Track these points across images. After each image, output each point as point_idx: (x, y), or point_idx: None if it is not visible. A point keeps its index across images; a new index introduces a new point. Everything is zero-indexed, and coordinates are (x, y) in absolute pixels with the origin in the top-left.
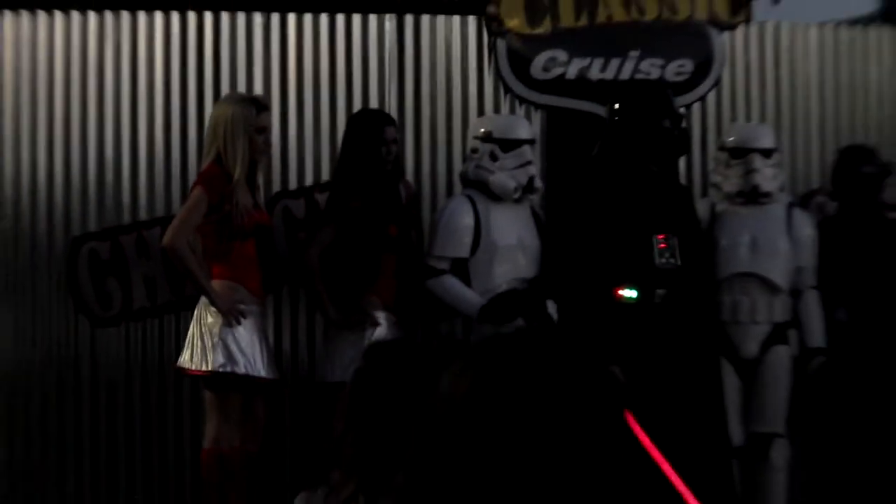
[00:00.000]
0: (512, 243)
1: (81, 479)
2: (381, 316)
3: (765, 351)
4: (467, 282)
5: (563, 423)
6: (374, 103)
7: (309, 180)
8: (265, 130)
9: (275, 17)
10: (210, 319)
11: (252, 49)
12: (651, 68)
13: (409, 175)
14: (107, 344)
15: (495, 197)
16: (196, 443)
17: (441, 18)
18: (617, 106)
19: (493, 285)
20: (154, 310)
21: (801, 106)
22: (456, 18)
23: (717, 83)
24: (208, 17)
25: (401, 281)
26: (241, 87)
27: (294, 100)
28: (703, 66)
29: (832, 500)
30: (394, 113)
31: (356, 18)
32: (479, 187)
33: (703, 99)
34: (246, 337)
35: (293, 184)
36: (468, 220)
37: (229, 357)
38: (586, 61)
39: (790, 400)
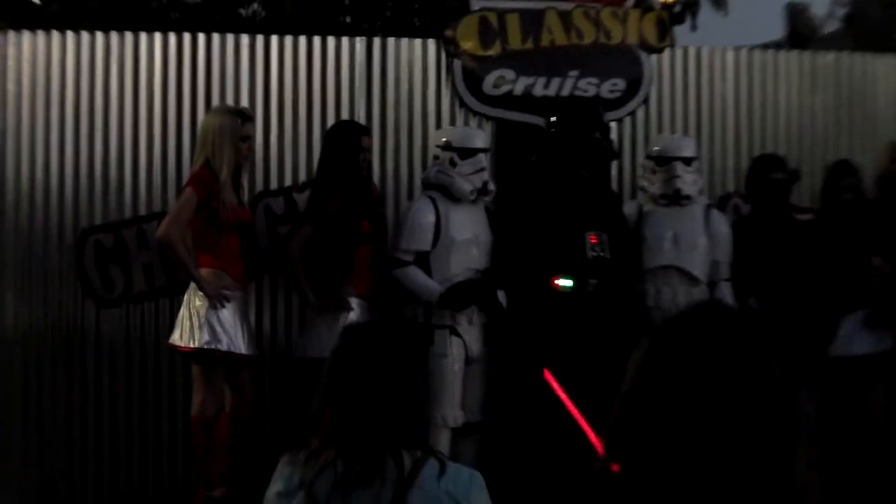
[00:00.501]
0: (467, 238)
1: (86, 438)
2: (354, 302)
3: None
4: (428, 272)
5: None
6: (345, 115)
7: (287, 181)
8: (248, 138)
9: (259, 39)
10: (198, 303)
11: (239, 66)
12: (588, 86)
13: (375, 178)
14: (110, 323)
15: (454, 198)
16: (186, 410)
17: (405, 41)
18: (554, 119)
19: (450, 275)
20: (152, 293)
21: (719, 120)
22: (418, 41)
23: (646, 100)
24: (201, 38)
25: (372, 271)
26: (230, 100)
27: (275, 111)
28: (634, 84)
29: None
30: (362, 123)
31: (330, 41)
32: (439, 189)
33: (633, 113)
34: (229, 318)
35: (274, 184)
36: (430, 217)
37: (214, 335)
38: (531, 80)
39: None
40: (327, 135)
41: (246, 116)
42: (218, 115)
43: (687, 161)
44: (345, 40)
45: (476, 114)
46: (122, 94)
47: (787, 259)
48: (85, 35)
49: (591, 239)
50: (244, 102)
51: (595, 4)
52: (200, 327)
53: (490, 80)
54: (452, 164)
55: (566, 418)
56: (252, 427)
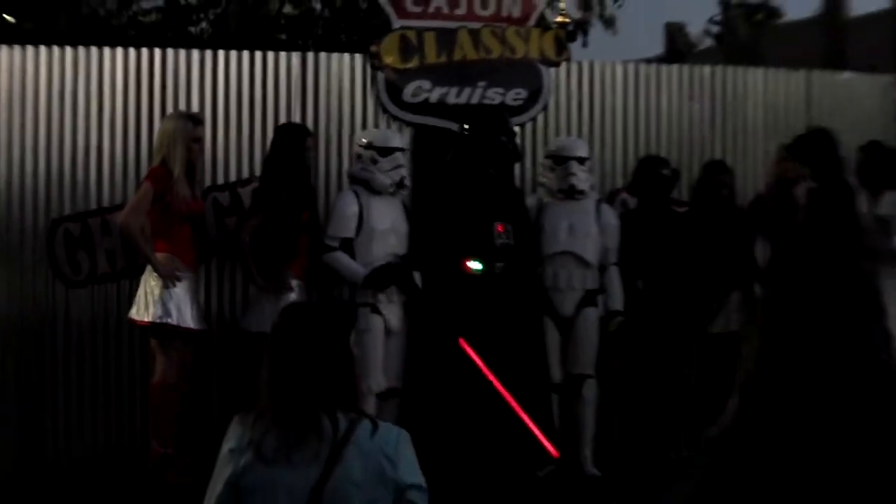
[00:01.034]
0: (387, 227)
1: (57, 400)
2: (294, 283)
3: (578, 311)
4: (353, 256)
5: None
6: (282, 120)
7: (233, 177)
8: (199, 139)
9: (208, 54)
10: (153, 283)
11: (191, 77)
12: (495, 95)
13: (310, 175)
14: (78, 301)
15: (375, 191)
16: (143, 377)
17: (334, 55)
18: (466, 124)
19: (372, 259)
20: (114, 275)
21: (609, 125)
22: (346, 56)
23: (545, 107)
24: (157, 52)
25: (311, 255)
26: (182, 107)
27: (222, 116)
28: (535, 94)
29: (627, 425)
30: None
31: (270, 55)
32: (362, 184)
33: (534, 119)
34: (180, 296)
35: (220, 180)
36: (354, 208)
37: (166, 311)
38: (445, 89)
39: (598, 349)
40: (275, 135)
41: (197, 120)
42: (172, 119)
43: (581, 160)
44: (282, 55)
45: (397, 119)
46: (88, 101)
47: (669, 246)
48: (56, 49)
49: (498, 228)
50: (195, 109)
51: (501, 24)
52: (154, 304)
53: (409, 89)
54: (373, 161)
55: (476, 382)
56: (190, 396)
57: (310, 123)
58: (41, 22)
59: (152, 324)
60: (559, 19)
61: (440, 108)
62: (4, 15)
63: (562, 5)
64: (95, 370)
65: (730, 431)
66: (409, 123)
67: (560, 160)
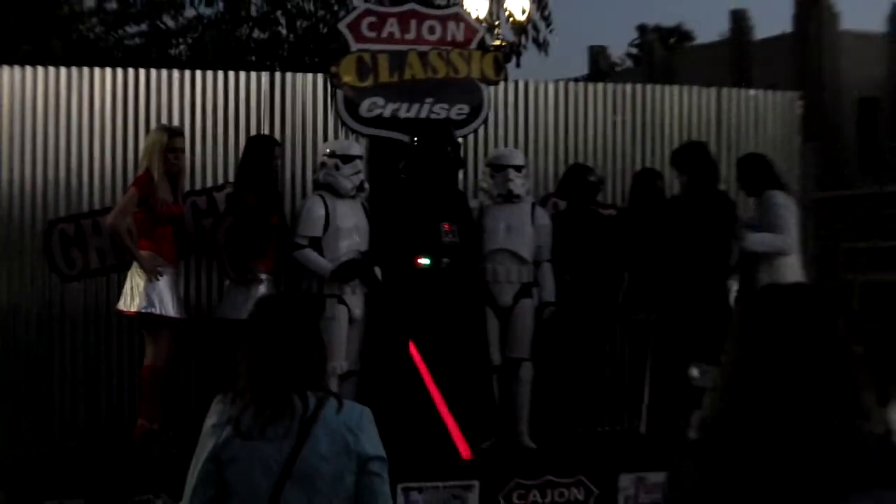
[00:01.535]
0: (350, 226)
1: (52, 382)
2: (263, 277)
3: (516, 301)
4: (321, 253)
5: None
6: (253, 132)
7: (209, 183)
8: (176, 149)
9: (187, 74)
10: (138, 277)
11: (172, 94)
12: (441, 110)
13: (278, 181)
14: (72, 293)
15: (339, 194)
16: (130, 361)
17: (299, 75)
18: (416, 137)
19: (338, 255)
20: (104, 270)
21: (542, 137)
22: (309, 75)
23: (486, 121)
24: (142, 72)
25: (278, 252)
26: (164, 121)
27: (199, 129)
28: (476, 109)
29: (559, 403)
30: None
31: (242, 75)
32: (327, 189)
33: (475, 132)
34: (162, 289)
35: (198, 186)
36: (321, 210)
37: (150, 302)
38: (397, 105)
39: (532, 335)
40: (247, 145)
41: (174, 132)
42: (154, 132)
43: (517, 168)
44: (253, 74)
45: (354, 131)
46: (80, 115)
47: (595, 244)
48: (51, 69)
49: (445, 227)
50: (175, 122)
51: (446, 47)
52: (139, 296)
53: (365, 105)
54: (336, 168)
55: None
56: (170, 377)
57: (277, 135)
58: (38, 45)
59: (138, 314)
60: (497, 43)
61: (393, 122)
62: None
63: (498, 31)
64: (87, 355)
65: (712, 434)
66: (365, 135)
67: (499, 168)
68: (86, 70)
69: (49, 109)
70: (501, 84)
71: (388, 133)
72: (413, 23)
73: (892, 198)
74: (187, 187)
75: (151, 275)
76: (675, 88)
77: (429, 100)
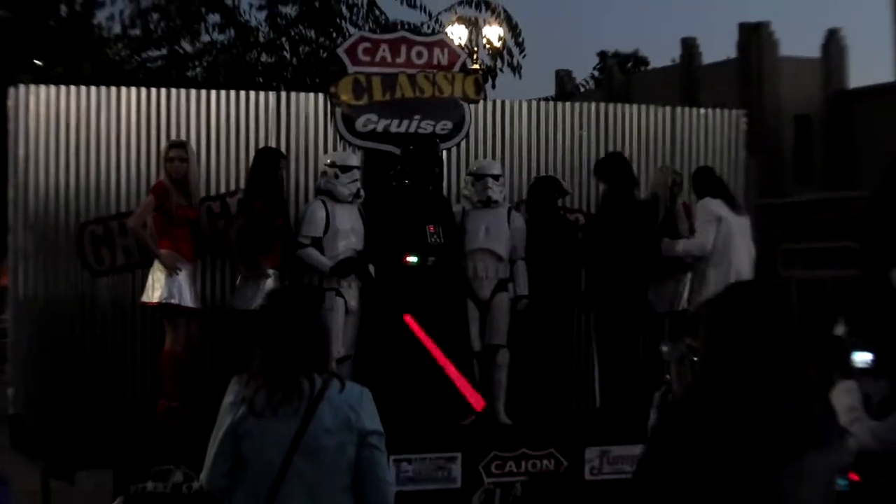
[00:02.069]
0: (347, 228)
1: (84, 365)
2: (270, 272)
3: (493, 295)
4: (321, 252)
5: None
6: (262, 145)
7: (223, 190)
8: (172, 159)
9: (203, 93)
10: (159, 273)
11: (189, 111)
12: (427, 126)
13: (283, 188)
14: (101, 286)
15: (338, 200)
16: (152, 348)
17: (302, 94)
18: (404, 149)
19: (336, 253)
20: (129, 266)
21: (516, 149)
22: (311, 94)
23: (467, 136)
24: (163, 92)
25: (283, 251)
26: (183, 135)
27: (214, 142)
28: (459, 125)
29: (532, 384)
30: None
31: (252, 94)
32: (327, 194)
33: (458, 145)
34: (180, 282)
35: (213, 192)
36: (322, 214)
37: (170, 294)
38: (388, 121)
39: (508, 324)
40: (255, 156)
41: (171, 144)
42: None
43: (495, 177)
44: (261, 94)
45: (351, 144)
46: (108, 129)
47: (561, 245)
48: (82, 89)
49: (431, 229)
50: (192, 138)
51: (432, 70)
52: (160, 289)
53: (360, 121)
54: (336, 176)
55: (413, 352)
56: (192, 361)
57: (283, 148)
58: (70, 67)
59: (159, 304)
60: (475, 66)
61: (385, 136)
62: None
63: (476, 56)
64: (115, 342)
65: (690, 402)
66: (360, 147)
67: (479, 177)
68: (113, 89)
69: (80, 124)
70: (481, 103)
71: (380, 146)
72: (403, 48)
73: (824, 204)
74: (203, 193)
75: (171, 270)
76: (635, 107)
77: (417, 116)
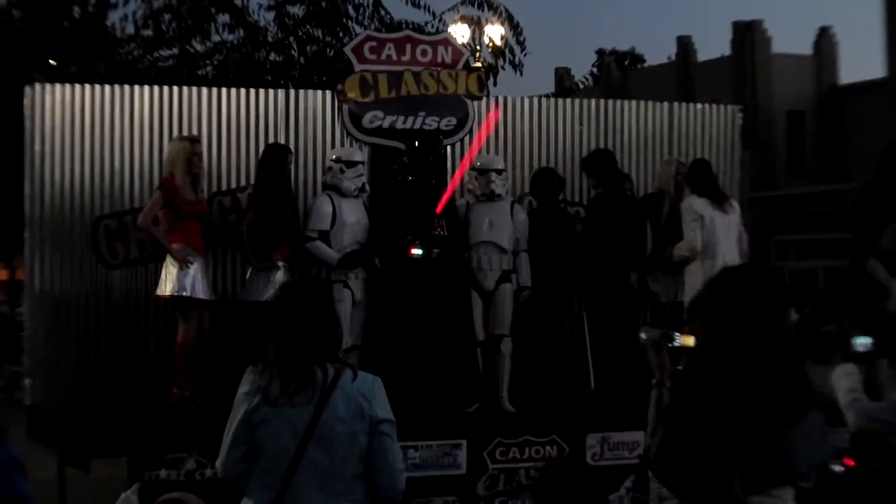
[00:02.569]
0: (353, 221)
1: (99, 355)
2: (280, 264)
3: (497, 286)
4: (328, 244)
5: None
6: (271, 141)
7: (233, 185)
8: (197, 154)
9: (214, 91)
10: (172, 266)
11: (200, 109)
12: (432, 122)
13: (291, 182)
14: (115, 279)
15: (343, 194)
16: (164, 338)
17: (310, 92)
18: (409, 144)
19: (343, 246)
20: (142, 259)
21: (518, 144)
22: (319, 92)
23: (470, 131)
24: (175, 90)
25: (292, 244)
26: (194, 132)
27: (224, 139)
28: (462, 121)
29: (534, 372)
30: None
31: (261, 92)
32: (333, 189)
33: (462, 140)
34: (193, 275)
35: (224, 187)
36: (328, 208)
37: (182, 286)
38: (394, 117)
39: (512, 314)
40: (264, 152)
41: (194, 140)
42: (176, 141)
43: (498, 172)
44: (270, 92)
45: (357, 140)
46: (121, 127)
47: (561, 236)
48: (96, 87)
49: (435, 223)
50: (204, 134)
51: (436, 68)
52: (173, 281)
53: (367, 117)
54: (341, 171)
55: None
56: (205, 350)
57: (292, 144)
58: (84, 66)
59: (172, 297)
60: (477, 64)
61: (391, 132)
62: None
63: (479, 54)
64: (128, 332)
65: (697, 378)
66: (366, 143)
67: (482, 171)
68: (126, 88)
69: (95, 122)
70: (484, 99)
71: (386, 142)
72: (408, 47)
73: (816, 197)
74: (214, 188)
75: (182, 263)
76: (633, 103)
77: (422, 113)
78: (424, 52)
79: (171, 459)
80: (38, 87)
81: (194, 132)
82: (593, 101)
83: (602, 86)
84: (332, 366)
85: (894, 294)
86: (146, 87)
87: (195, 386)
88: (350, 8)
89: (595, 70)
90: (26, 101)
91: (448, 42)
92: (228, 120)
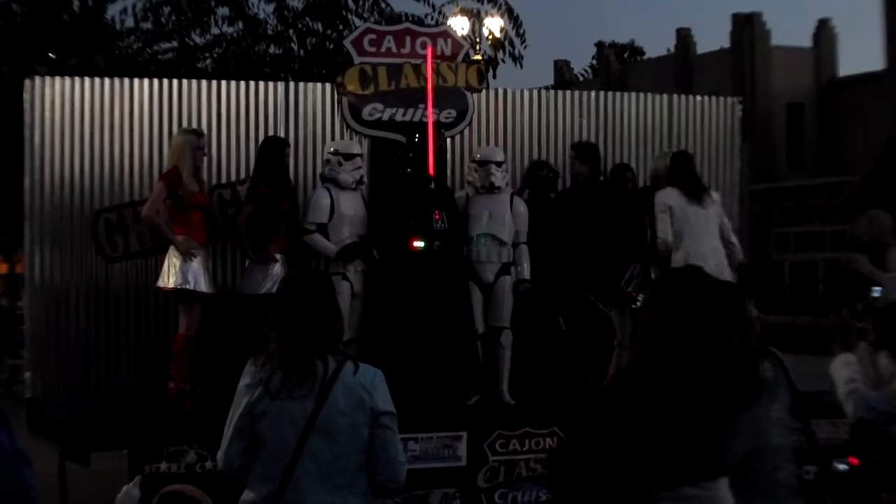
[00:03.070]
0: (352, 214)
1: (99, 349)
2: (277, 257)
3: (497, 279)
4: (327, 237)
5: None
6: (270, 134)
7: (233, 177)
8: (202, 147)
9: (213, 83)
10: (175, 258)
11: (200, 102)
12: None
13: (290, 175)
14: (115, 272)
15: (341, 187)
16: (165, 332)
17: (310, 84)
18: (410, 138)
19: (341, 239)
20: (143, 252)
21: (518, 136)
22: (318, 84)
23: (470, 123)
24: (175, 82)
25: (290, 236)
26: (194, 124)
27: (224, 132)
28: (462, 113)
29: (534, 364)
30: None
31: (261, 84)
32: (332, 181)
33: (461, 132)
34: (195, 268)
35: (224, 180)
36: (327, 200)
37: (184, 279)
38: (394, 110)
39: (511, 307)
40: (262, 145)
41: (199, 133)
42: (181, 134)
43: (498, 164)
44: (270, 84)
45: (357, 133)
46: (121, 120)
47: (555, 228)
48: (96, 80)
49: (436, 215)
50: (203, 127)
51: (436, 60)
52: (175, 274)
53: (366, 110)
54: (339, 164)
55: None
56: (203, 344)
57: (291, 137)
58: (84, 59)
59: (174, 289)
60: (477, 57)
61: (390, 125)
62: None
63: (478, 47)
64: (128, 326)
65: (640, 369)
66: (366, 136)
67: (482, 164)
68: (126, 80)
69: (94, 115)
70: (484, 92)
71: (386, 134)
72: (408, 39)
73: (816, 189)
74: (214, 181)
75: (186, 255)
76: (633, 95)
77: (421, 105)
78: (424, 45)
79: (172, 452)
80: (37, 80)
81: (194, 125)
82: (593, 94)
83: (601, 78)
84: (334, 358)
85: (884, 284)
86: (146, 80)
87: (195, 379)
88: (350, 0)
89: (594, 62)
90: (26, 95)
91: (448, 34)
92: (228, 112)
